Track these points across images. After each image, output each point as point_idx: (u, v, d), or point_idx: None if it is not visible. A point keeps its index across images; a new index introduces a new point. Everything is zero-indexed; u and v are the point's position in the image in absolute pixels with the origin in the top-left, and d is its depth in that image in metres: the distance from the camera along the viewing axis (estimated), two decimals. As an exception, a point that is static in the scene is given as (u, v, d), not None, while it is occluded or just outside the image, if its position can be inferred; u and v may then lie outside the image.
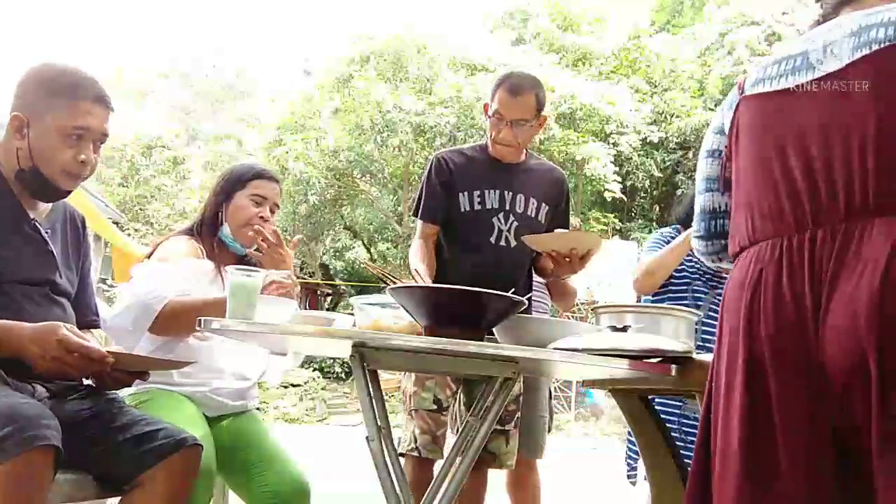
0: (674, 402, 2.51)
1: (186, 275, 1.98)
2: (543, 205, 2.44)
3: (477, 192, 2.38)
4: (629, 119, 16.51)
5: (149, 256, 2.09)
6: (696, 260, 2.57)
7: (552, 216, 2.47)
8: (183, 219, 18.41)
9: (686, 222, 2.70)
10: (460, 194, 2.38)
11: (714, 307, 2.55)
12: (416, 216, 2.47)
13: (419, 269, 2.23)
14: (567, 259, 2.13)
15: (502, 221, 2.38)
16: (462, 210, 2.39)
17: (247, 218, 2.09)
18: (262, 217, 2.10)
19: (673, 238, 2.66)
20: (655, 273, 2.57)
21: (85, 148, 1.64)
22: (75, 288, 1.77)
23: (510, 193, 2.39)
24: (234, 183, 2.14)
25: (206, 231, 2.13)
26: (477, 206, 2.38)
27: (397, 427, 2.36)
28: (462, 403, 2.44)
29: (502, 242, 2.37)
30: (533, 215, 2.42)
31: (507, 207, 2.39)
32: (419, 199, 2.47)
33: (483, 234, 2.37)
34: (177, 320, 1.84)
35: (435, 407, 2.33)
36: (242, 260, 2.10)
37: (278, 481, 1.94)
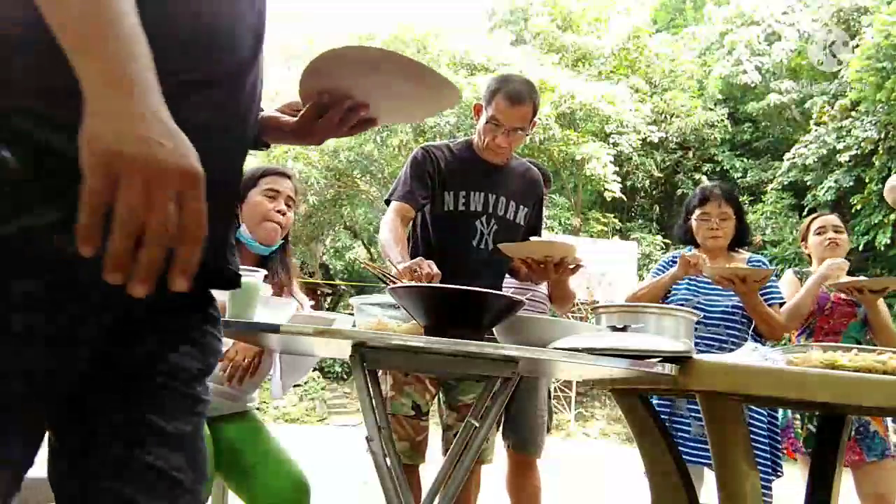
0: (664, 400, 2.54)
1: None
2: (522, 207, 2.44)
3: (463, 193, 2.36)
4: (629, 119, 16.49)
5: None
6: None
7: (528, 217, 2.47)
8: (183, 219, 18.37)
9: (686, 241, 2.80)
10: (446, 193, 2.36)
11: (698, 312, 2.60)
12: (393, 199, 2.33)
13: (395, 254, 2.11)
14: (542, 266, 2.10)
15: (484, 224, 2.37)
16: (446, 209, 2.36)
17: (262, 213, 2.08)
18: (279, 211, 2.09)
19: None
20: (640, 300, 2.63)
21: None
22: None
23: (493, 196, 2.38)
24: (245, 182, 2.12)
25: None
26: (461, 207, 2.36)
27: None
28: (442, 403, 2.45)
29: (482, 245, 2.36)
30: (512, 218, 2.41)
31: (490, 210, 2.37)
32: (399, 183, 2.35)
33: (464, 236, 2.36)
34: None
35: (413, 413, 2.30)
36: (261, 261, 2.07)
37: (278, 481, 1.95)
